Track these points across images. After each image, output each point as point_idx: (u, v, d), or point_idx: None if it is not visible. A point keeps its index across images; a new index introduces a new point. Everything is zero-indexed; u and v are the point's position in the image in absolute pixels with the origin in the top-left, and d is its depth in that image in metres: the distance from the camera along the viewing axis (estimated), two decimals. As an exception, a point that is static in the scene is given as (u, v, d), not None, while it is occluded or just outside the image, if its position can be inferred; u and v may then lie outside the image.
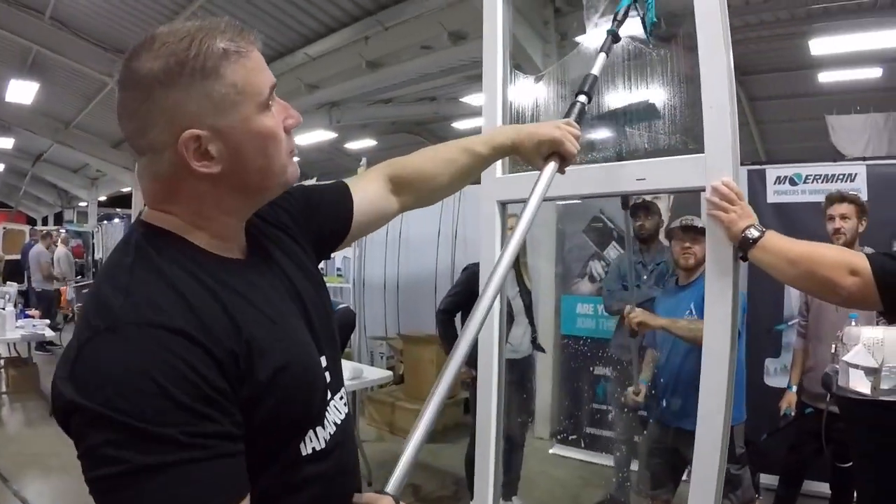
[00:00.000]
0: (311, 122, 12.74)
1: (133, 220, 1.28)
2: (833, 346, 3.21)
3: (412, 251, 8.60)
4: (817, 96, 10.63)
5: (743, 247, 1.80)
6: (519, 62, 2.29)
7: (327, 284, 1.41)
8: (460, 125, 13.79)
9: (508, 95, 2.40)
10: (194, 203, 1.06)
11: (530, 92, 2.42)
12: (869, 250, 4.07)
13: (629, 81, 2.21)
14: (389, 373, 6.37)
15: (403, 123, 14.85)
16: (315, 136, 13.61)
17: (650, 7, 1.93)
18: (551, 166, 1.63)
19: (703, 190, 1.84)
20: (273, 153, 1.08)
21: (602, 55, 1.83)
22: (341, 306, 6.29)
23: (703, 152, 1.84)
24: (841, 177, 5.28)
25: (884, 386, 2.44)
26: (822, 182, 5.32)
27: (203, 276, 1.01)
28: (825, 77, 10.01)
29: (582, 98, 1.77)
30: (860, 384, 2.53)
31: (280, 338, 1.06)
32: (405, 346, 7.66)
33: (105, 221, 22.33)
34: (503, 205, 2.31)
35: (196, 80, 0.99)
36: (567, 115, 1.77)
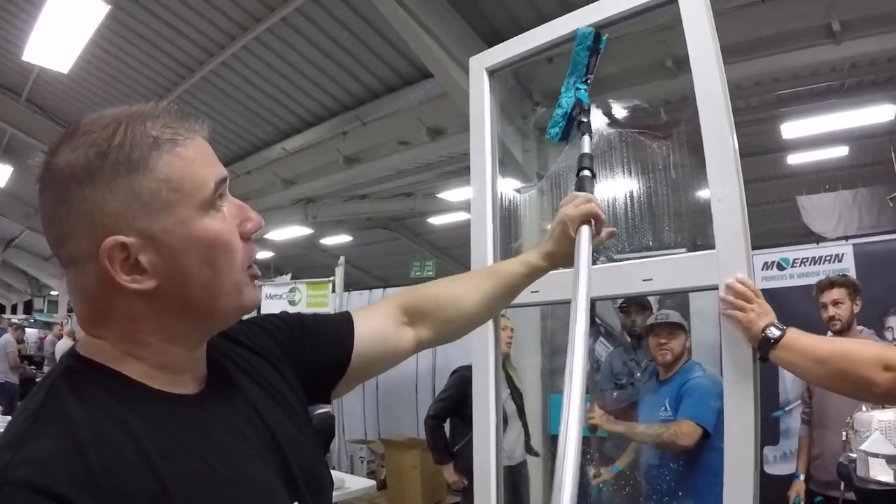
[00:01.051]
0: (287, 218, 12.69)
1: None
2: (843, 433, 3.11)
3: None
4: (787, 178, 10.82)
5: (763, 348, 1.65)
6: (500, 157, 2.21)
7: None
8: (437, 221, 13.79)
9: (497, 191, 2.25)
10: (127, 327, 0.87)
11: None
12: (862, 328, 4.01)
13: (628, 173, 2.12)
14: (372, 482, 6.03)
15: (380, 219, 14.81)
16: (290, 232, 13.56)
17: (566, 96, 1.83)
18: (585, 232, 1.44)
19: (716, 289, 1.71)
20: (222, 265, 0.89)
21: (586, 137, 1.72)
22: (320, 411, 6.05)
23: (713, 248, 1.72)
24: (828, 258, 5.24)
25: (907, 472, 2.32)
26: (810, 265, 5.28)
27: (129, 418, 0.81)
28: (794, 159, 10.24)
29: (587, 173, 1.63)
30: (882, 473, 2.43)
31: (226, 493, 0.85)
32: (387, 450, 7.42)
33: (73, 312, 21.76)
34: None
35: (120, 174, 0.82)
36: (580, 189, 1.59)
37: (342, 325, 1.25)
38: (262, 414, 1.00)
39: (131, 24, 7.66)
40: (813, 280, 4.28)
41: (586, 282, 1.28)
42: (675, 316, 3.71)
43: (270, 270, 16.98)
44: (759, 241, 11.89)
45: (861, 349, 1.67)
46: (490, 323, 2.11)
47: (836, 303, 3.82)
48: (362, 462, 8.47)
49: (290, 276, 14.53)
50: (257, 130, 9.93)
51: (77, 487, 0.72)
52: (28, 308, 27.79)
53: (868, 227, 9.47)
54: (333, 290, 7.70)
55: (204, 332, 0.95)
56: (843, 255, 5.20)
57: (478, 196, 2.24)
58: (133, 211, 0.83)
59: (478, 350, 2.16)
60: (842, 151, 9.90)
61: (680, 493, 3.33)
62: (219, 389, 0.97)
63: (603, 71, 1.99)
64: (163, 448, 0.81)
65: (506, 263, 1.50)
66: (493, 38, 6.54)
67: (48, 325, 20.56)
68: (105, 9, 6.59)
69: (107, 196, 0.82)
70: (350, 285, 9.15)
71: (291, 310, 8.01)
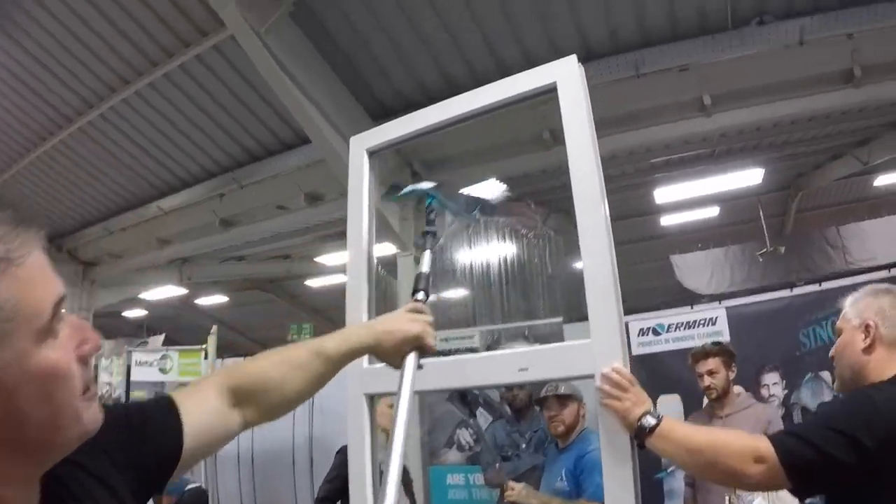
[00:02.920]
0: (161, 278, 12.34)
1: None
2: (727, 497, 3.16)
3: (267, 421, 8.03)
4: (661, 238, 11.27)
5: (639, 436, 1.69)
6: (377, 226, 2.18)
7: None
8: (314, 283, 13.72)
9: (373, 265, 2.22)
10: None
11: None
12: (739, 389, 4.11)
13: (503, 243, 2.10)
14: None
15: (256, 280, 14.57)
16: (165, 292, 13.13)
17: (434, 199, 1.82)
18: (412, 360, 1.46)
19: (593, 377, 1.72)
20: (62, 398, 0.79)
21: (427, 253, 1.71)
22: (191, 486, 5.78)
23: (588, 338, 1.74)
24: (702, 321, 5.40)
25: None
26: (685, 329, 5.42)
27: None
28: (667, 220, 10.68)
29: (420, 296, 1.62)
30: (767, 534, 2.46)
31: None
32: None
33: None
34: (371, 398, 2.08)
35: None
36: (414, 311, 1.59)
37: (168, 417, 1.15)
38: None
39: (9, 66, 7.34)
40: (688, 343, 4.41)
41: (404, 420, 1.32)
42: (565, 387, 3.68)
43: (143, 330, 16.32)
44: (635, 300, 12.27)
45: (732, 441, 1.71)
46: (364, 415, 2.05)
47: (711, 373, 3.88)
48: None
49: (163, 336, 14.04)
50: (133, 187, 9.61)
51: None
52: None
53: (739, 283, 9.93)
54: (206, 357, 7.39)
55: (40, 467, 0.84)
56: (716, 317, 5.38)
57: (354, 271, 2.19)
58: None
59: (353, 433, 2.07)
60: (713, 212, 10.40)
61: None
62: None
63: (481, 144, 2.00)
64: None
65: (334, 343, 1.44)
66: (376, 106, 6.60)
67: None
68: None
69: None
70: (225, 348, 8.85)
71: (162, 379, 7.68)
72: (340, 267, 10.66)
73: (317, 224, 9.23)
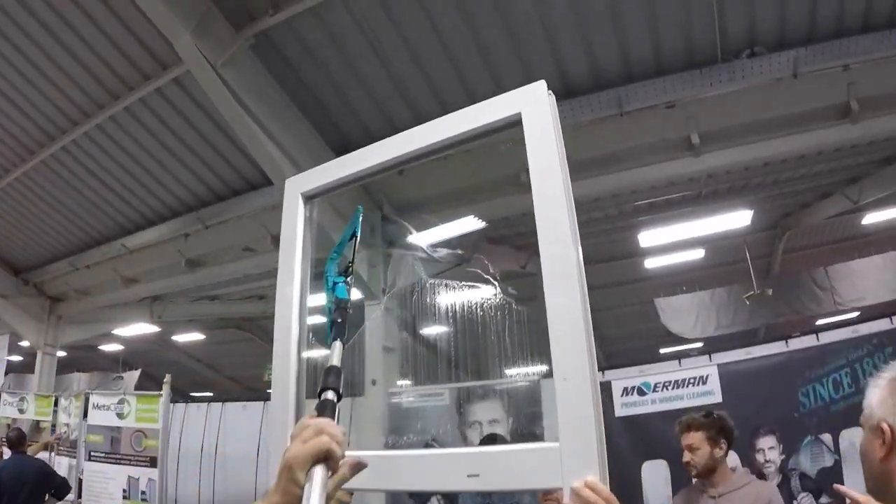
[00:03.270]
0: (131, 315, 12.18)
1: None
2: None
3: (230, 470, 7.76)
4: (645, 280, 10.97)
5: None
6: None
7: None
8: None
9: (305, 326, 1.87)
10: None
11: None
12: (734, 464, 3.74)
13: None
14: None
15: (232, 319, 14.28)
16: (137, 329, 12.92)
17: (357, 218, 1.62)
18: (317, 475, 1.10)
19: (559, 490, 1.33)
20: None
21: (338, 343, 1.38)
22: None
23: (556, 440, 1.35)
24: (692, 381, 4.98)
25: None
26: (673, 388, 5.00)
27: None
28: (652, 262, 10.37)
29: (330, 395, 1.27)
30: None
31: None
32: None
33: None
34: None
35: None
36: (319, 414, 1.23)
37: None
38: None
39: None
40: (677, 404, 4.07)
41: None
42: None
43: (119, 364, 16.26)
44: (618, 343, 12.06)
45: None
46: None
47: (691, 448, 3.49)
48: None
49: (139, 371, 13.85)
50: (97, 223, 9.48)
51: None
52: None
53: (725, 326, 9.75)
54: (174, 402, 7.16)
55: None
56: (707, 375, 4.98)
57: (281, 336, 1.84)
58: None
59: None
60: (698, 254, 10.11)
61: None
62: None
63: (456, 185, 1.67)
64: None
65: None
66: (341, 143, 6.31)
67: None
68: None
69: None
70: (202, 385, 8.56)
71: (119, 424, 7.34)
72: (317, 308, 10.44)
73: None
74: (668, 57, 5.53)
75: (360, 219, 1.64)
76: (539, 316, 1.71)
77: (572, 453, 1.33)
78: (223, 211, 8.19)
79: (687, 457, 3.50)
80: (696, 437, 3.50)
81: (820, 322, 11.24)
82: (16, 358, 15.08)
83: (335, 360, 1.33)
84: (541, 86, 1.59)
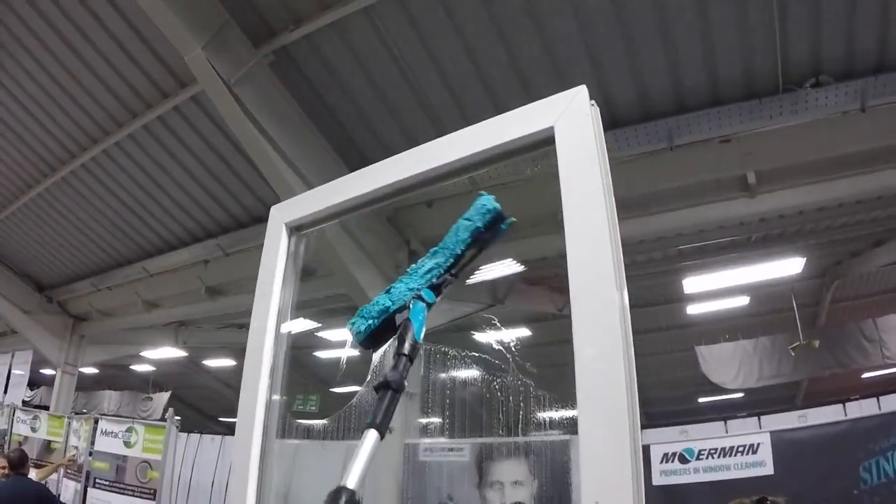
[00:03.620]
0: (157, 339, 12.21)
1: None
2: None
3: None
4: (686, 327, 10.53)
5: None
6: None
7: None
8: (321, 355, 13.40)
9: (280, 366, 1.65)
10: None
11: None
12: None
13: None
14: None
15: (262, 347, 14.03)
16: (164, 353, 12.99)
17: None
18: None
19: None
20: None
21: (371, 436, 1.00)
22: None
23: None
24: (741, 449, 4.40)
25: None
26: (720, 456, 4.44)
27: None
28: (694, 308, 9.96)
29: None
30: None
31: None
32: None
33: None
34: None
35: None
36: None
37: None
38: None
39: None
40: (723, 475, 3.62)
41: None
42: None
43: (149, 385, 16.40)
44: (654, 391, 11.52)
45: None
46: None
47: None
48: None
49: (169, 393, 13.82)
50: (117, 244, 9.41)
51: None
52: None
53: (768, 378, 9.29)
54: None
55: None
56: (758, 444, 4.41)
57: (249, 377, 1.60)
58: None
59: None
60: (742, 301, 9.69)
61: None
62: None
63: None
64: None
65: None
66: (361, 164, 5.97)
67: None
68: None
69: None
70: (231, 411, 8.42)
71: (125, 453, 7.50)
72: (342, 342, 10.35)
73: (315, 299, 8.67)
74: (724, 85, 5.05)
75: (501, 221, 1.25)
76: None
77: None
78: (244, 238, 7.99)
79: None
80: None
81: (865, 375, 10.76)
82: (49, 372, 15.15)
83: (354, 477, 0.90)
84: (581, 92, 1.22)
